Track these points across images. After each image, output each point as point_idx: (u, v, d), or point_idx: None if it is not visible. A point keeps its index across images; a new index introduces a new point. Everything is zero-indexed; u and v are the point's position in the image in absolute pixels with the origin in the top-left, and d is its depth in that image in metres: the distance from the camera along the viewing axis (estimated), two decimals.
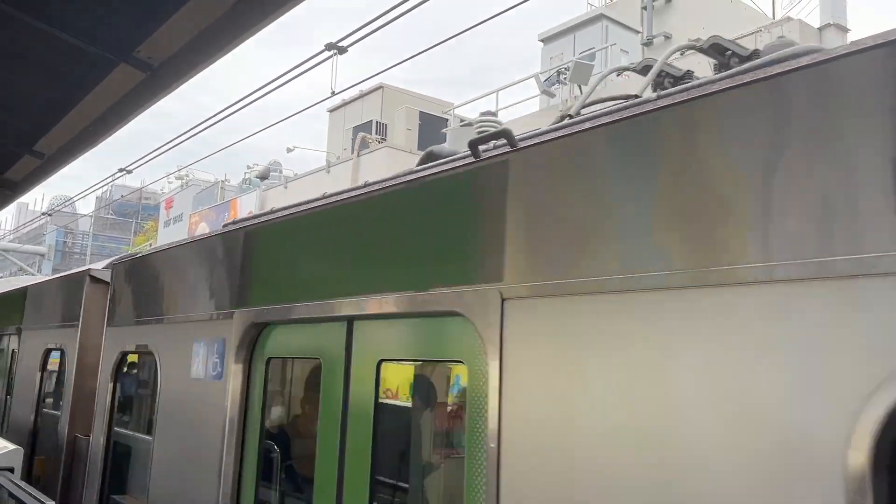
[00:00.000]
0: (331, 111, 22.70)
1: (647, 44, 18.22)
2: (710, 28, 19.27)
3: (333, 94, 8.98)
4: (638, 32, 18.14)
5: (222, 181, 26.55)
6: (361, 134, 18.58)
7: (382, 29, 7.86)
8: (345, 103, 22.01)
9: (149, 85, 4.87)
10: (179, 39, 4.36)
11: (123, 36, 4.50)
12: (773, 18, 18.86)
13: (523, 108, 20.73)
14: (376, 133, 19.55)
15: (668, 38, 18.25)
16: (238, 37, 4.07)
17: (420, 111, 20.00)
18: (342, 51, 8.77)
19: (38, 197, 66.12)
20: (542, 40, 18.08)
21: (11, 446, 6.29)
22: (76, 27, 4.68)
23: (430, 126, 19.07)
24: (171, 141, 14.00)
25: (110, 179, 14.72)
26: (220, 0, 3.87)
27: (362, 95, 21.48)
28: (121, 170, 14.45)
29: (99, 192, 41.63)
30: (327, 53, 8.90)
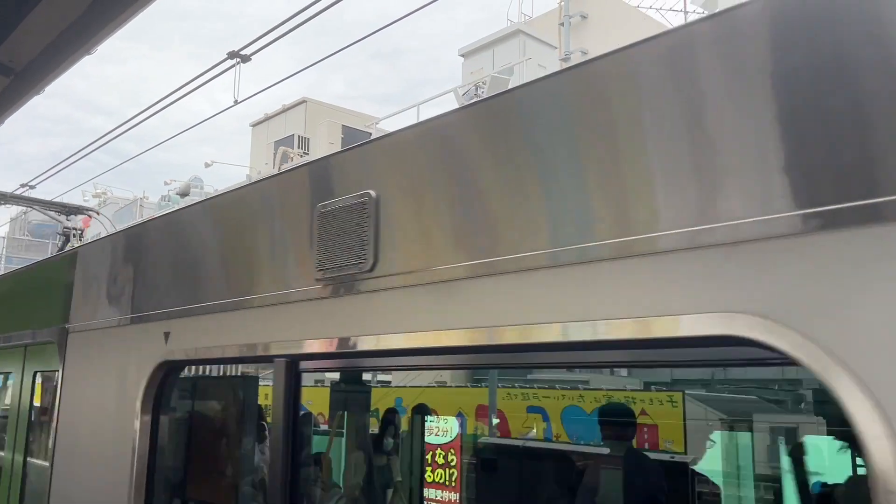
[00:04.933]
0: (253, 125, 22.37)
1: (565, 59, 18.67)
2: (624, 43, 19.84)
3: (236, 102, 8.83)
4: (555, 48, 18.57)
5: (141, 198, 25.78)
6: (282, 148, 18.36)
7: (311, 43, 7.78)
8: (268, 117, 21.73)
9: (14, 89, 4.68)
10: (40, 41, 4.21)
11: None
12: None
13: None
14: (298, 147, 19.35)
15: (584, 53, 18.74)
16: (99, 34, 3.95)
17: (343, 125, 19.92)
18: (245, 59, 8.66)
19: None
20: (462, 55, 18.31)
21: None
22: None
23: (353, 139, 19.00)
24: (77, 153, 13.43)
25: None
26: (72, 4, 3.76)
27: (285, 109, 21.27)
28: (23, 185, 13.81)
29: (13, 213, 39.66)
30: (230, 62, 8.79)
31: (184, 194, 21.78)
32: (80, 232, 9.76)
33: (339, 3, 7.52)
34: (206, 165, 20.09)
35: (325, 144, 19.43)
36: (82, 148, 12.63)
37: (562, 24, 18.86)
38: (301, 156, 18.79)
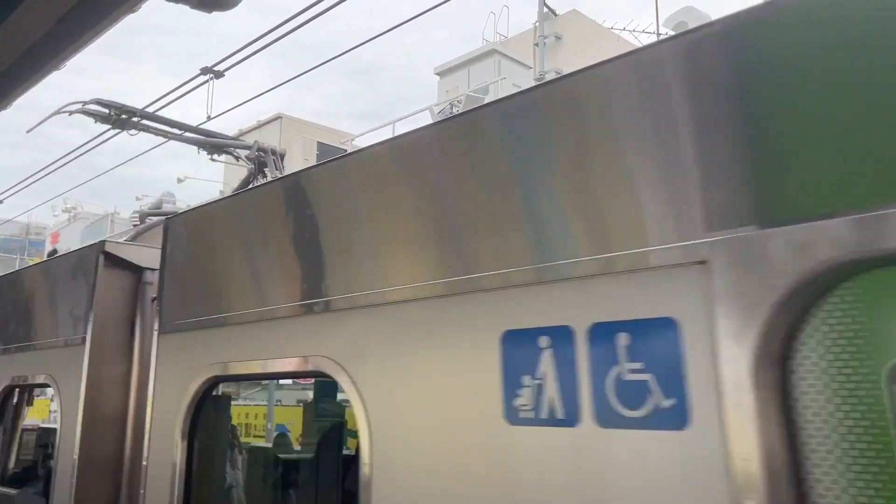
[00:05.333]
0: None
1: (540, 79, 18.86)
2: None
3: (209, 118, 8.79)
4: (530, 68, 18.78)
5: (112, 214, 25.42)
6: None
7: (288, 59, 7.77)
8: (242, 133, 21.61)
9: None
10: (6, 56, 4.15)
11: None
12: None
13: None
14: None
15: (559, 73, 18.96)
16: (67, 49, 3.92)
17: (318, 141, 19.90)
18: (218, 75, 8.63)
19: None
20: (438, 74, 18.42)
21: None
22: None
23: (329, 156, 18.95)
24: (48, 166, 13.27)
25: None
26: (40, 20, 3.73)
27: (260, 125, 21.19)
28: None
29: None
30: (203, 78, 8.75)
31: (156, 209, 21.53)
32: (280, 157, 6.56)
33: (314, 20, 7.55)
34: (179, 181, 19.92)
35: (300, 160, 19.37)
36: (53, 161, 12.43)
37: (537, 45, 19.09)
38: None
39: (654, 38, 21.31)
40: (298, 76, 9.27)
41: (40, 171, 13.29)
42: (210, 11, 2.98)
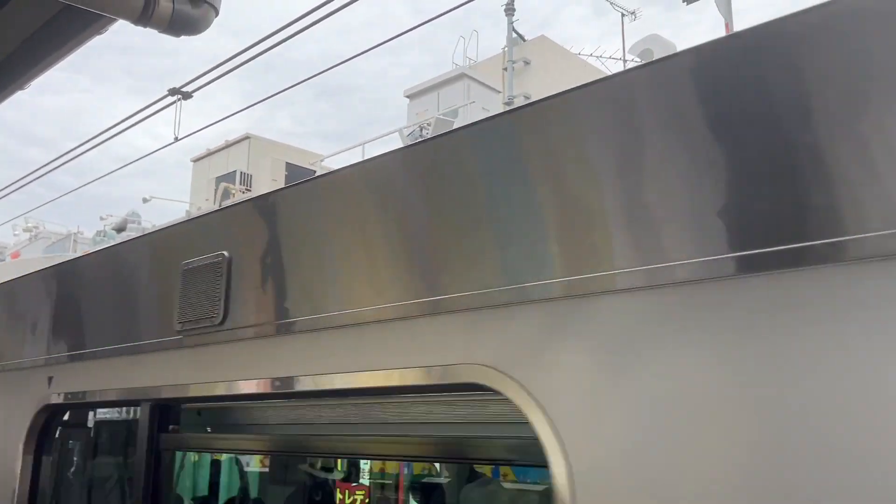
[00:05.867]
0: (195, 161, 22.01)
1: (508, 103, 19.11)
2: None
3: (176, 139, 8.72)
4: (499, 92, 19.00)
5: (75, 233, 24.87)
6: (223, 184, 18.10)
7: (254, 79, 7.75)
8: (210, 153, 21.44)
9: None
10: None
11: None
12: None
13: None
14: (241, 183, 19.11)
15: (527, 98, 19.23)
16: (31, 71, 3.87)
17: (287, 162, 19.81)
18: (187, 96, 8.59)
19: None
20: (407, 96, 18.53)
21: None
22: None
23: (297, 177, 18.89)
24: (13, 184, 12.97)
25: None
26: (4, 42, 3.69)
27: (228, 145, 21.04)
28: None
29: None
30: (171, 99, 8.69)
31: (120, 230, 21.14)
32: None
33: (285, 41, 7.56)
34: (145, 200, 19.66)
35: (268, 181, 19.26)
36: (17, 180, 12.17)
37: (505, 69, 19.35)
38: (243, 192, 18.55)
39: (620, 65, 21.73)
40: (268, 98, 9.27)
41: (1, 189, 12.97)
42: (178, 35, 2.97)
